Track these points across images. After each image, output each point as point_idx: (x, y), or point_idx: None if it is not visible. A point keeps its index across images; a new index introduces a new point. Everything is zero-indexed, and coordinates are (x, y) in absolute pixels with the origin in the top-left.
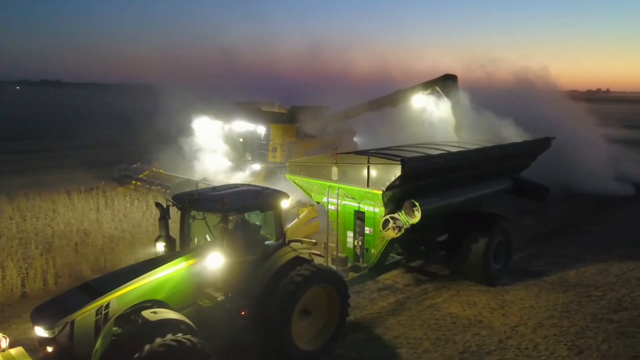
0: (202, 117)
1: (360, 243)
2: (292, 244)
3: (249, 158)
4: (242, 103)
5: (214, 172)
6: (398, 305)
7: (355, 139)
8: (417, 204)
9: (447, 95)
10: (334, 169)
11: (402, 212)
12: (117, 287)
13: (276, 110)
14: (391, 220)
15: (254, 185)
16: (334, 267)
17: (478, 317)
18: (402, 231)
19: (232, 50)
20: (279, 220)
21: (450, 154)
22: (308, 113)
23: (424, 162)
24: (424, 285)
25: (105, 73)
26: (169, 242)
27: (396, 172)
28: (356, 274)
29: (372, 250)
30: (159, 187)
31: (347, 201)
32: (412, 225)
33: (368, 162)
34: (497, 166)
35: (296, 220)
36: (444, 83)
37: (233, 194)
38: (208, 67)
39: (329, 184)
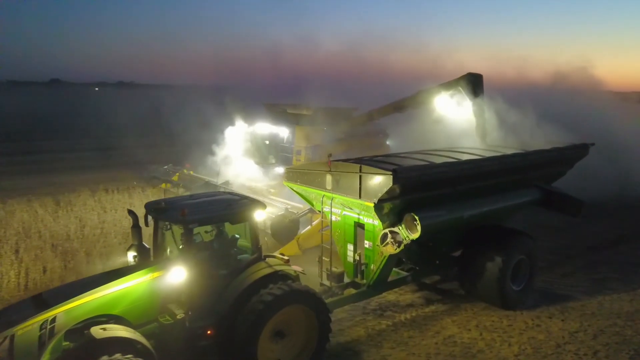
0: (230, 118)
1: (359, 257)
2: (269, 260)
3: (273, 161)
4: (271, 104)
5: (238, 174)
6: (454, 305)
7: (388, 142)
8: (417, 218)
9: (470, 97)
10: (328, 177)
11: (403, 225)
12: (67, 299)
13: (304, 112)
14: (389, 235)
15: (234, 194)
16: (328, 283)
17: (536, 322)
18: (402, 247)
19: (275, 51)
20: (254, 233)
21: (455, 163)
22: (334, 115)
23: (421, 172)
24: None
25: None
26: (142, 251)
27: (388, 183)
28: (354, 291)
29: (372, 266)
30: (184, 190)
31: (347, 212)
32: (418, 239)
33: (360, 172)
34: (521, 176)
35: (309, 227)
36: (467, 83)
37: (200, 204)
38: (259, 67)
39: (323, 193)
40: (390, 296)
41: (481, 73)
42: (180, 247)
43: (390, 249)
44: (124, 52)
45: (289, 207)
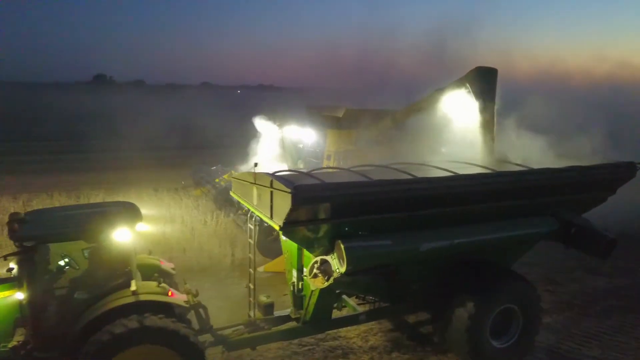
0: (266, 121)
1: (300, 286)
2: (144, 284)
3: (301, 166)
4: (313, 107)
5: None
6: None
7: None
8: (342, 247)
9: (476, 96)
10: (254, 191)
11: (335, 255)
12: None
13: (337, 114)
14: (318, 264)
15: (119, 206)
16: (257, 313)
17: None
18: (331, 280)
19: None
20: (124, 253)
21: (396, 182)
22: (370, 117)
23: (333, 192)
24: None
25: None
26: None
27: (288, 203)
28: (282, 328)
29: (309, 299)
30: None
31: None
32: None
33: (271, 186)
34: (521, 201)
35: None
36: (474, 79)
37: (60, 217)
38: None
39: (252, 208)
40: (351, 333)
41: (496, 67)
42: (17, 265)
43: (319, 282)
44: (264, 57)
45: None
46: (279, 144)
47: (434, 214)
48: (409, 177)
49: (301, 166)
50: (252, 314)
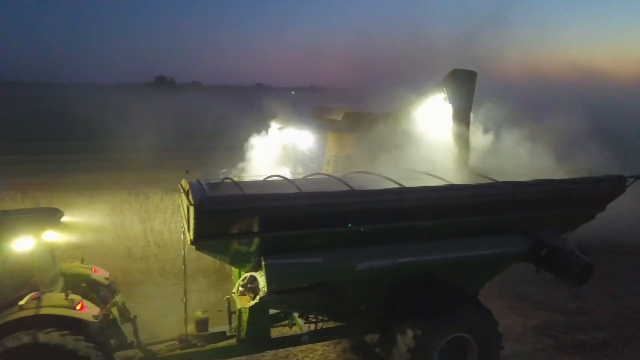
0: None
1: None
2: (50, 296)
3: (300, 170)
4: (318, 108)
5: None
6: None
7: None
8: (263, 264)
9: (451, 100)
10: (184, 199)
11: (263, 272)
12: None
13: (337, 117)
14: (243, 282)
15: (31, 213)
16: (191, 330)
17: None
18: (257, 299)
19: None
20: (28, 264)
21: (326, 194)
22: (364, 120)
23: (246, 205)
24: None
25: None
26: None
27: (193, 215)
28: (217, 345)
29: (239, 317)
30: None
31: None
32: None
33: (187, 196)
34: (486, 218)
35: None
36: (451, 83)
37: None
38: None
39: (184, 218)
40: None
41: (475, 71)
42: None
43: (245, 301)
44: (315, 59)
45: None
46: (282, 147)
47: (372, 231)
48: (347, 188)
49: (300, 170)
50: (186, 329)
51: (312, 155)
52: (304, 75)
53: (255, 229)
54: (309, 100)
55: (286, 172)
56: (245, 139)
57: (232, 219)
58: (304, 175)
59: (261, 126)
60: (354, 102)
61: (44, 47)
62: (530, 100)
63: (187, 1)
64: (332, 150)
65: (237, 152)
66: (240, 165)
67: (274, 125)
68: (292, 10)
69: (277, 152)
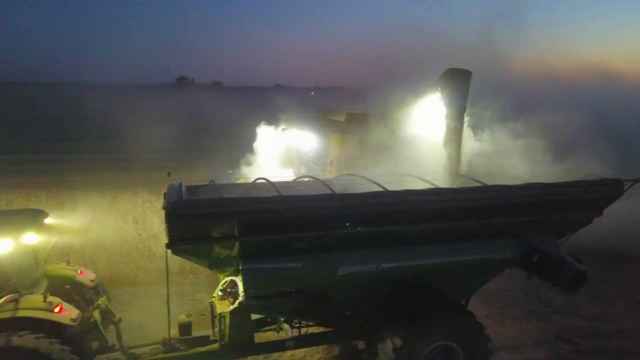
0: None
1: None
2: (28, 299)
3: (303, 171)
4: (326, 110)
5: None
6: None
7: None
8: (240, 268)
9: (444, 100)
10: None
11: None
12: None
13: (339, 118)
14: (222, 286)
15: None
16: (171, 333)
17: None
18: (236, 304)
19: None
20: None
21: (299, 198)
22: (367, 121)
23: (218, 209)
24: None
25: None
26: None
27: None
28: (200, 350)
29: (220, 321)
30: None
31: None
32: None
33: (164, 200)
34: (474, 223)
35: None
36: (444, 82)
37: None
38: None
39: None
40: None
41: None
42: None
43: (225, 305)
44: (335, 60)
45: None
46: (285, 148)
47: (351, 235)
48: (329, 192)
49: (303, 172)
50: (169, 332)
51: (315, 157)
52: (323, 76)
53: (231, 233)
54: (327, 101)
55: (290, 174)
56: (255, 140)
57: (205, 223)
58: (300, 177)
59: (272, 127)
60: (368, 103)
61: (68, 48)
62: (536, 99)
63: (210, 3)
64: (335, 151)
65: (248, 153)
66: (245, 166)
67: (280, 127)
68: (313, 11)
69: (282, 154)
